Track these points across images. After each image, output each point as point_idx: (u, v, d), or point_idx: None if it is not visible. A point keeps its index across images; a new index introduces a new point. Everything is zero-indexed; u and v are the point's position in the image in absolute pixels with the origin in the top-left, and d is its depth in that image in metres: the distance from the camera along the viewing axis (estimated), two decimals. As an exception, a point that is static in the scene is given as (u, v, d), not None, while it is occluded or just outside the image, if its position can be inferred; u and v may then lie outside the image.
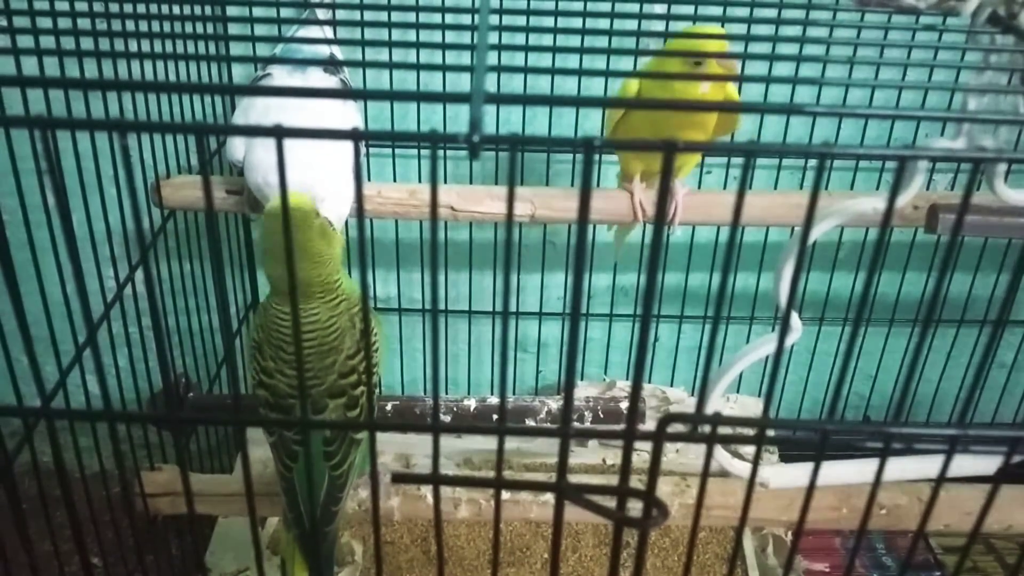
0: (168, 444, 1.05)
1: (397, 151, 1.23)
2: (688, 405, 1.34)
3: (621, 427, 1.09)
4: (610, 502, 0.46)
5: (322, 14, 1.05)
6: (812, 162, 1.27)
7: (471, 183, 1.19)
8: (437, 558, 0.52)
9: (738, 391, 1.39)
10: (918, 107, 1.17)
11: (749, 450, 1.13)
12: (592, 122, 1.24)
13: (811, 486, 0.54)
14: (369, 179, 1.12)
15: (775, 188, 1.29)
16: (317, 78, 0.98)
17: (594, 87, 1.19)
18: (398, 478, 0.48)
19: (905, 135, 1.27)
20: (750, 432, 0.49)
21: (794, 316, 0.60)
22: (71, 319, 0.80)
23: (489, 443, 1.33)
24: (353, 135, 0.39)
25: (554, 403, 1.10)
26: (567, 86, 1.18)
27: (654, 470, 0.48)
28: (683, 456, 1.25)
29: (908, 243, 1.33)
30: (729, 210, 0.39)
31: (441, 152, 1.23)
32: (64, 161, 0.72)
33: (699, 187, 1.10)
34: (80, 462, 0.85)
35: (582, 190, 0.39)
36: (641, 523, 0.47)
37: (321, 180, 0.89)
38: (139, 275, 0.92)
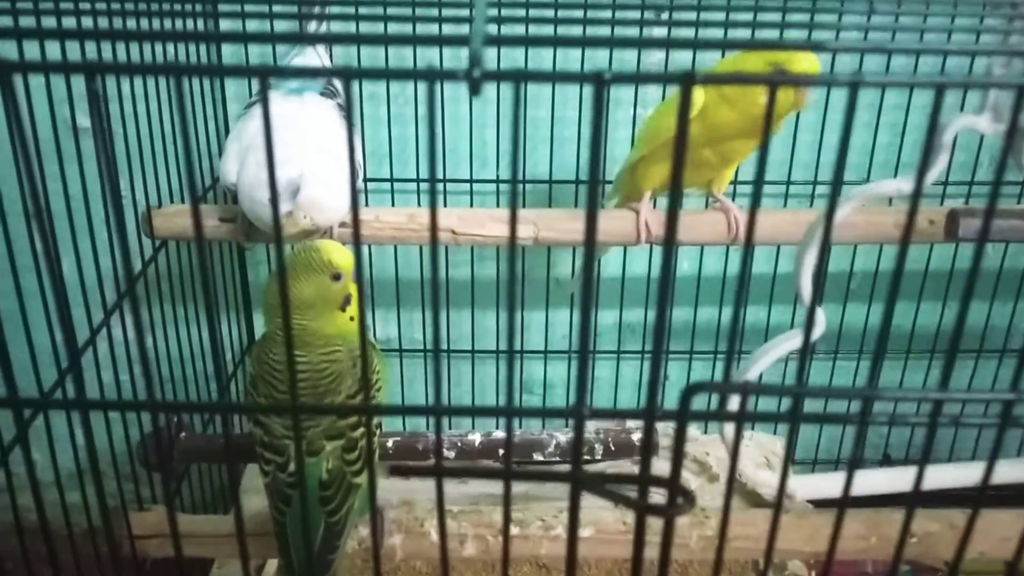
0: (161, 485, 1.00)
1: (396, 185, 1.21)
2: (702, 443, 1.29)
3: (634, 463, 1.04)
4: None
5: (320, 47, 1.04)
6: (820, 188, 1.25)
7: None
8: (441, 551, 0.47)
9: (753, 428, 1.34)
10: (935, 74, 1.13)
11: (770, 479, 1.09)
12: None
13: (847, 487, 0.51)
14: (367, 205, 1.10)
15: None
16: (314, 101, 0.96)
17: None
18: (395, 470, 0.44)
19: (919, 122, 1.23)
20: (780, 408, 0.45)
21: (818, 310, 0.56)
22: (57, 360, 0.77)
23: (497, 487, 1.27)
24: (343, 73, 0.36)
25: (563, 436, 1.06)
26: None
27: (678, 454, 0.44)
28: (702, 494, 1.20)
29: (922, 272, 1.30)
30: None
31: (441, 185, 1.21)
32: (53, 204, 0.70)
33: (706, 207, 1.07)
34: (67, 519, 0.81)
35: (594, 127, 0.36)
36: (666, 511, 0.43)
37: (312, 184, 0.87)
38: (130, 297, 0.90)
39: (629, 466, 1.31)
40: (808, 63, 0.86)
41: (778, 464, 1.19)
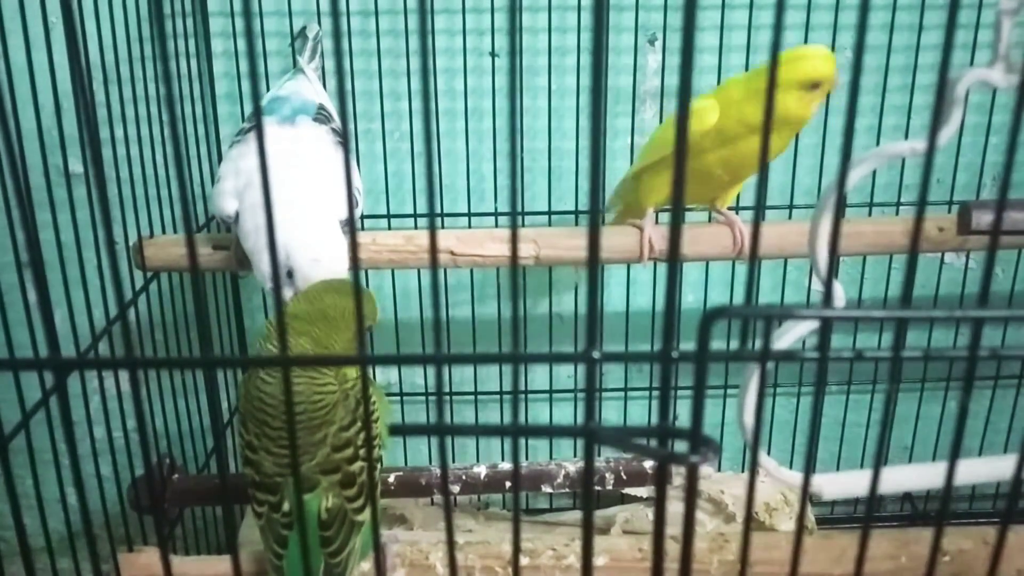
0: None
1: (394, 222, 1.19)
2: (716, 480, 1.25)
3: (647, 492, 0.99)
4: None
5: (310, 71, 1.03)
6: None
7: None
8: (447, 542, 0.43)
9: (769, 451, 1.30)
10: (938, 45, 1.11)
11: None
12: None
13: (875, 478, 0.47)
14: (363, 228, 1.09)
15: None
16: (307, 128, 0.95)
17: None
18: (395, 430, 0.41)
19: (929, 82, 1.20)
20: (811, 351, 0.42)
21: (836, 283, 0.53)
22: (48, 411, 0.74)
23: (503, 532, 1.22)
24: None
25: (572, 466, 1.02)
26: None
27: (699, 400, 0.41)
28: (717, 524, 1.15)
29: (931, 297, 1.27)
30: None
31: (438, 211, 1.19)
32: (45, 252, 0.68)
33: (709, 220, 1.05)
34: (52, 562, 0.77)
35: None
36: (688, 460, 0.39)
37: (302, 263, 0.85)
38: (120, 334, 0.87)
39: (643, 508, 1.26)
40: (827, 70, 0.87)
41: (794, 499, 1.15)
